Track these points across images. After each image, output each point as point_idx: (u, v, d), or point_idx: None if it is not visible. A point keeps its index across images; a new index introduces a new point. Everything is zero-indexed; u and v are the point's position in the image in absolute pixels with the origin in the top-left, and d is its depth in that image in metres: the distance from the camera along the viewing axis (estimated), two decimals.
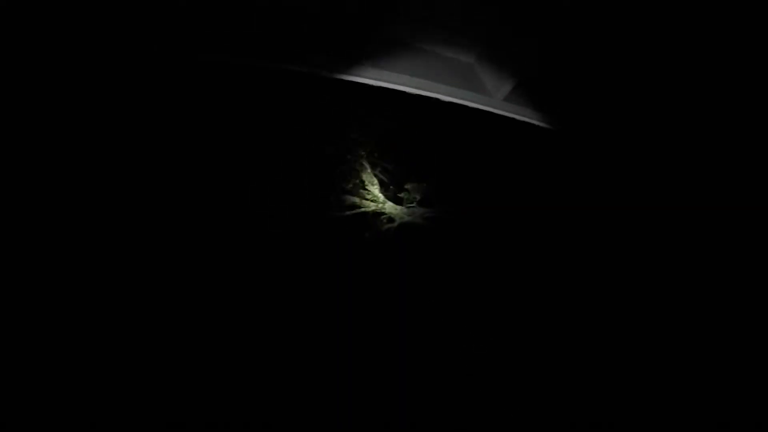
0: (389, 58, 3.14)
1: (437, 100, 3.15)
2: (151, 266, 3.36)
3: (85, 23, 2.94)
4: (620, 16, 2.64)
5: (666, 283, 3.79)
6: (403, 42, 3.10)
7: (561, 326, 3.92)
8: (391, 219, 3.84)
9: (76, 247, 3.15)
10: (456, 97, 3.09)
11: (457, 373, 3.62)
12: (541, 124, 3.31)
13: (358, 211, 3.77)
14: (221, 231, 3.59)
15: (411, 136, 3.68)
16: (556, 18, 2.65)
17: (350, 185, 3.79)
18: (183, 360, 3.16)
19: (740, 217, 3.37)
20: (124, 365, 3.00)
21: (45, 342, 2.92)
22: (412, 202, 3.86)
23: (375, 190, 3.82)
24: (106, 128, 3.34)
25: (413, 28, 2.96)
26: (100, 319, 3.08)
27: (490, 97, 3.15)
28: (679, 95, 3.09)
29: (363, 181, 3.79)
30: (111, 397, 2.92)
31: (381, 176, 3.87)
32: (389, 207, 3.85)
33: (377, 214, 3.83)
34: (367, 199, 3.81)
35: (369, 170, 3.79)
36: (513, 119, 3.24)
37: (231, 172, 3.74)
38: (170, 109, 3.63)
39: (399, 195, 3.88)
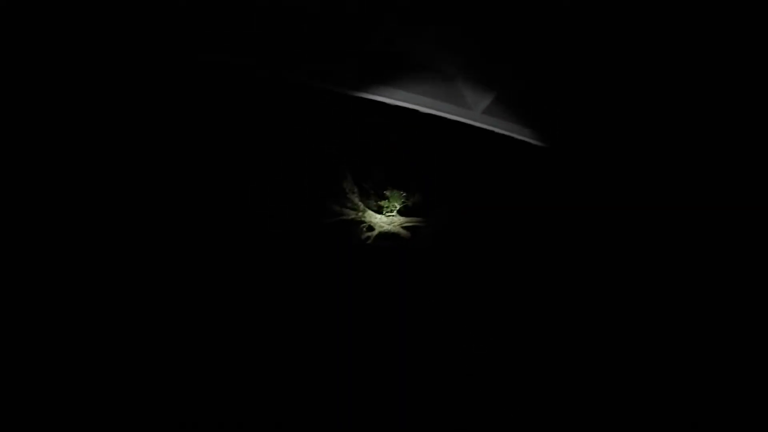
0: (379, 67, 3.17)
1: (416, 111, 3.16)
2: (151, 264, 3.41)
3: (85, 23, 3.05)
4: (601, 37, 2.63)
5: (662, 283, 3.69)
6: (394, 49, 3.11)
7: (548, 327, 3.82)
8: (370, 227, 3.81)
9: (75, 246, 3.22)
10: (435, 109, 3.10)
11: (454, 372, 3.55)
12: (520, 138, 3.30)
13: (338, 219, 3.77)
14: (221, 231, 3.62)
15: (392, 146, 3.71)
16: (550, 29, 2.65)
17: (331, 193, 3.80)
18: (182, 358, 3.17)
19: (737, 218, 3.27)
20: (123, 364, 3.02)
21: (45, 340, 2.95)
22: (392, 211, 3.83)
23: (355, 198, 3.82)
24: (106, 128, 3.44)
25: (409, 31, 2.95)
26: (99, 318, 3.12)
27: (469, 109, 3.15)
28: (661, 111, 3.06)
29: (344, 190, 3.79)
30: (110, 396, 2.92)
31: (363, 185, 3.87)
32: (369, 215, 3.83)
33: (357, 223, 3.80)
34: (347, 208, 3.80)
35: (350, 179, 3.80)
36: (491, 132, 3.24)
37: (231, 172, 3.79)
38: (170, 109, 3.73)
39: (379, 204, 3.87)
